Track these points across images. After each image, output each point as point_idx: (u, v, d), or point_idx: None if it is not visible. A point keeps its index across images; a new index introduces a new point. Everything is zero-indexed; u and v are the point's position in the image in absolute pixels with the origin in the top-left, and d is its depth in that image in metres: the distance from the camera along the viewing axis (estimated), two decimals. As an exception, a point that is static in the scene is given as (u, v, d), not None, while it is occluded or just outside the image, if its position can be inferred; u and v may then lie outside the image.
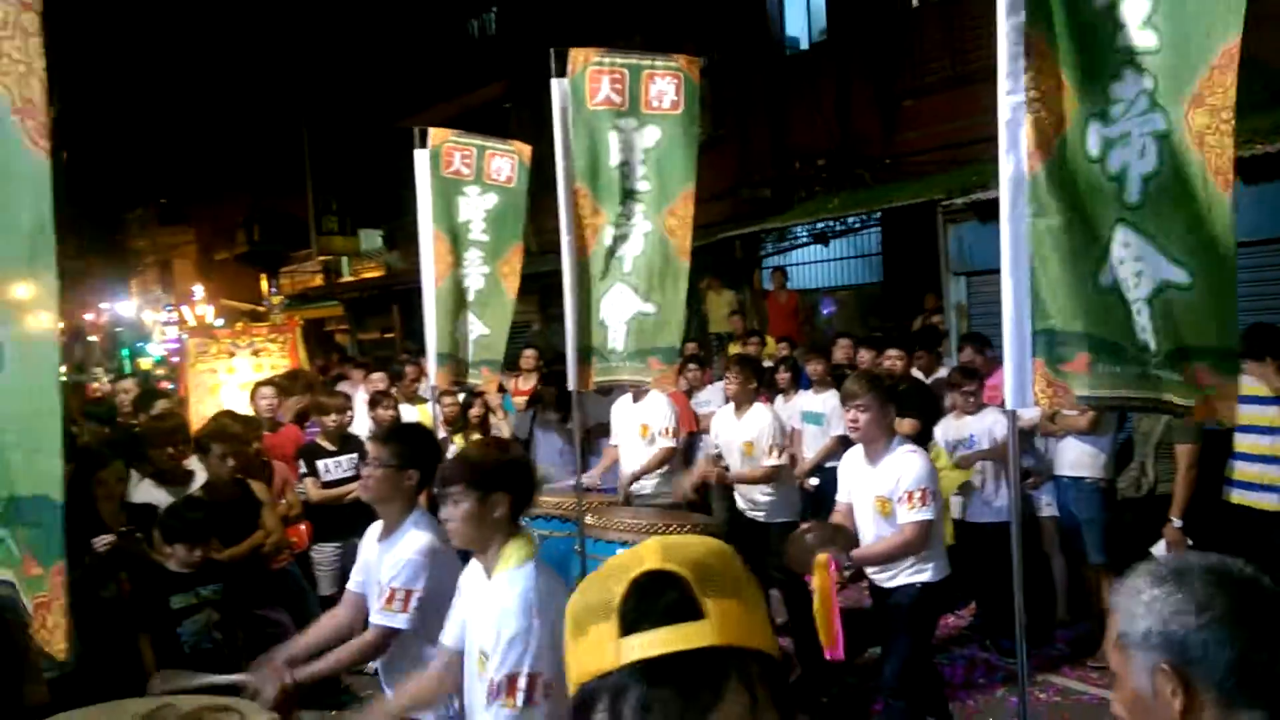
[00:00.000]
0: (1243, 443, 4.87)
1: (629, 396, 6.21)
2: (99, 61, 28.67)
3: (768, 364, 7.49)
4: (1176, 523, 4.86)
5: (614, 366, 4.32)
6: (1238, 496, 4.87)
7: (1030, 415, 5.30)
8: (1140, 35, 2.30)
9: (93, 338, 26.52)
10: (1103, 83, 2.37)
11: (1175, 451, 4.88)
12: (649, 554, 1.01)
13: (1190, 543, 4.86)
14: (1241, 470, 4.86)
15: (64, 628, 2.48)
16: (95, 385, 14.37)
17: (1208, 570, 1.36)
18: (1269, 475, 4.75)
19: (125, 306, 29.95)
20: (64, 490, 2.43)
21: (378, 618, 2.92)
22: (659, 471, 5.97)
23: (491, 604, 2.37)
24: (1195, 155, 2.22)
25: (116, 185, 32.20)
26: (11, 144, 2.32)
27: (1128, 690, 1.37)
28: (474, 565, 2.60)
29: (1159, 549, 4.92)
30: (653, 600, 0.96)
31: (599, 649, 0.97)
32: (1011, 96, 2.55)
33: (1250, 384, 4.80)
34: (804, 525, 4.14)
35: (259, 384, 6.70)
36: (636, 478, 5.90)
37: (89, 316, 28.95)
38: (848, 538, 4.06)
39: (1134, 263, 2.39)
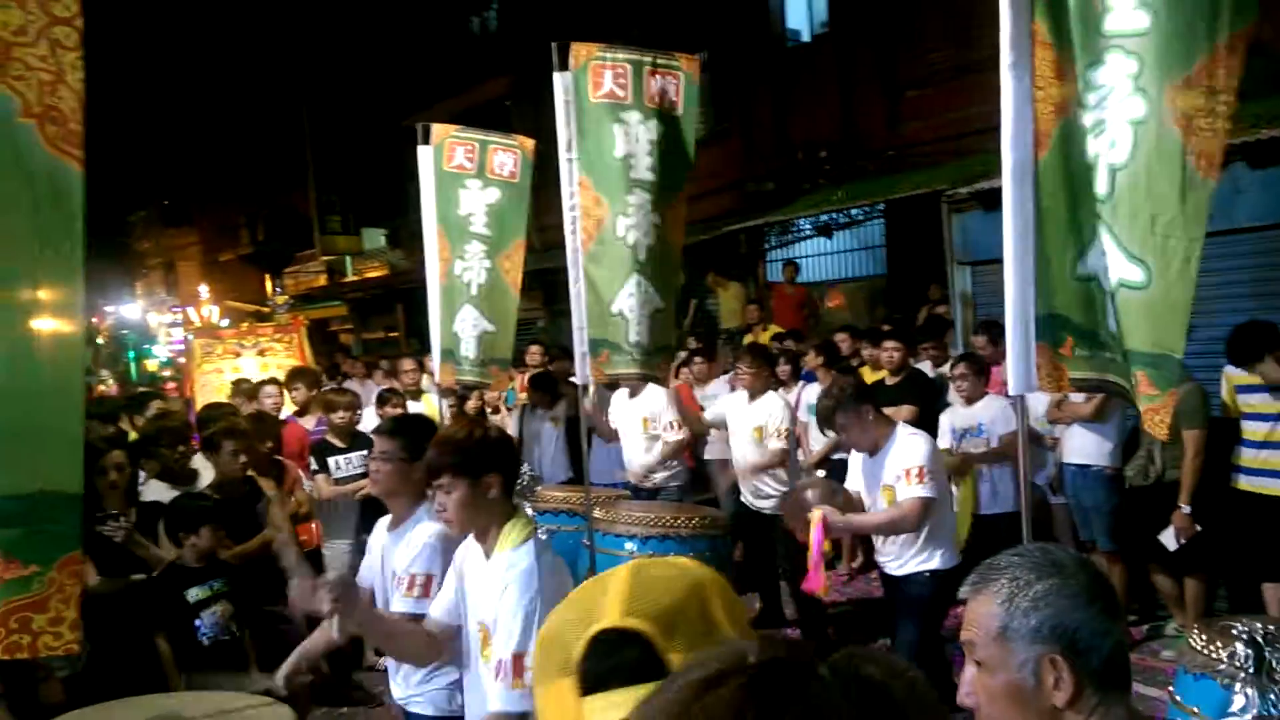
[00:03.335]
0: (1246, 429, 4.90)
1: (625, 392, 6.23)
2: (100, 63, 28.71)
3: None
4: (1185, 509, 4.87)
5: (638, 361, 4.33)
6: (1244, 483, 4.89)
7: (1038, 406, 5.28)
8: (1131, 17, 2.27)
9: (99, 340, 26.61)
10: (1084, 69, 2.35)
11: (1183, 438, 4.89)
12: (612, 603, 0.94)
13: (1199, 528, 4.87)
14: (1246, 457, 4.89)
15: (69, 620, 2.45)
16: (101, 387, 14.42)
17: (1080, 563, 1.42)
18: (1272, 460, 4.77)
19: (130, 309, 30.04)
20: (81, 482, 2.45)
21: (400, 605, 2.90)
22: (668, 464, 6.01)
23: (493, 581, 2.38)
24: (1177, 140, 2.17)
25: (120, 187, 32.26)
26: (20, 146, 2.39)
27: (1000, 681, 1.38)
28: (470, 543, 2.60)
29: (1167, 536, 4.93)
30: (612, 659, 0.91)
31: (560, 707, 0.92)
32: (1015, 84, 2.54)
33: (1244, 374, 4.84)
34: (801, 482, 4.17)
35: (262, 383, 6.73)
36: (651, 471, 5.94)
37: (94, 319, 29.05)
38: (846, 499, 4.10)
39: (1102, 257, 2.37)
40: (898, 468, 4.00)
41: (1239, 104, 2.23)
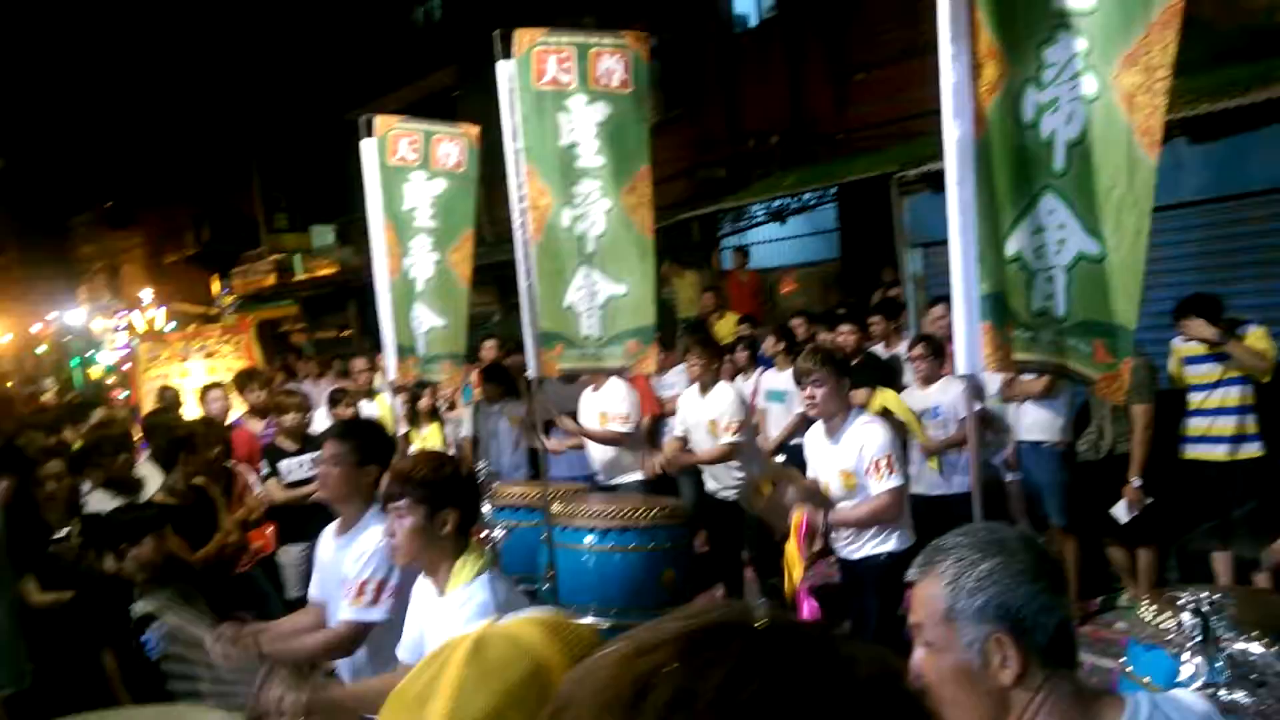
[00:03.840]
0: (1193, 400, 5.00)
1: (590, 386, 6.17)
2: (38, 64, 27.89)
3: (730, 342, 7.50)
4: (1136, 482, 4.95)
5: (590, 354, 4.27)
6: (1191, 452, 4.99)
7: (993, 385, 5.32)
8: None
9: (42, 347, 25.90)
10: (1035, 47, 2.37)
11: (1131, 412, 4.96)
12: (435, 711, 0.91)
13: (1150, 501, 4.95)
14: (1193, 426, 4.99)
15: None
16: (45, 396, 14.04)
17: (1025, 541, 1.43)
18: (1216, 427, 4.89)
19: (74, 315, 29.30)
20: None
21: (348, 613, 2.83)
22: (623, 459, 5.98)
23: (449, 619, 2.32)
24: (1123, 117, 2.21)
25: (61, 191, 31.38)
26: None
27: (948, 661, 1.39)
28: (423, 582, 2.55)
29: (1119, 509, 5.01)
30: None
31: None
32: (955, 62, 2.54)
33: (1191, 345, 4.94)
34: (774, 473, 4.16)
35: (208, 386, 6.60)
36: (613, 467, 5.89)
37: (37, 326, 28.26)
38: (823, 497, 4.11)
39: (1058, 230, 2.41)
40: (860, 456, 4.01)
41: (1179, 79, 2.26)
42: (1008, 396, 5.53)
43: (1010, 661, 1.35)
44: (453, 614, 2.33)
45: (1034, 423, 5.42)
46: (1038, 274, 2.46)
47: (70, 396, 11.12)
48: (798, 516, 3.93)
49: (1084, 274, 2.38)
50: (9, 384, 16.12)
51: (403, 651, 2.62)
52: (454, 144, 5.12)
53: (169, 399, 7.33)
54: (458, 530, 2.43)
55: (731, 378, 6.84)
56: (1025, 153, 2.44)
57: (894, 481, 3.97)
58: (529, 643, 0.98)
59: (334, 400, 6.52)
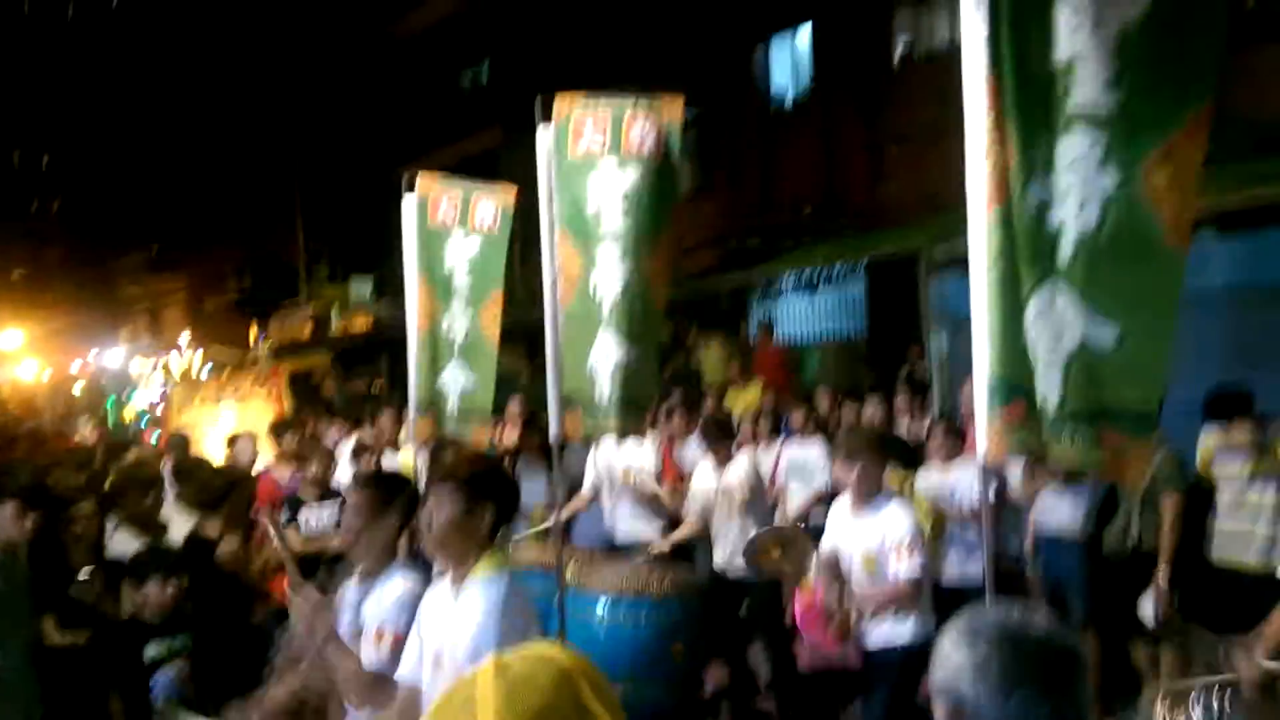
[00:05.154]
0: (1220, 498, 4.88)
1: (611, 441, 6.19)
2: (91, 110, 28.95)
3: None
4: (1164, 580, 4.81)
5: (600, 420, 4.30)
6: (1217, 556, 4.86)
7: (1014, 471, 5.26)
8: (1101, 95, 2.34)
9: (80, 384, 26.33)
10: (1046, 139, 2.40)
11: (1160, 504, 4.87)
12: (484, 717, 0.91)
13: (1177, 605, 4.80)
14: (1221, 526, 4.86)
15: None
16: (79, 435, 14.22)
17: (999, 632, 1.46)
18: (1243, 528, 4.76)
19: (113, 355, 29.90)
20: None
21: (367, 656, 2.84)
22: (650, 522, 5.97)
23: (464, 612, 2.41)
24: (1151, 212, 2.24)
25: (108, 232, 32.29)
26: None
27: None
28: (436, 588, 2.62)
29: (1146, 606, 4.86)
30: None
31: None
32: (979, 143, 2.58)
33: (1224, 436, 4.85)
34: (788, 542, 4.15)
35: (236, 435, 6.70)
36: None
37: (77, 365, 28.79)
38: (840, 574, 4.11)
39: (1057, 320, 2.41)
40: (884, 541, 4.02)
41: (1209, 169, 2.29)
42: (1028, 485, 5.44)
43: None
44: (470, 605, 2.42)
45: (1052, 513, 5.31)
46: (1040, 363, 2.48)
47: (108, 435, 11.26)
48: (808, 594, 3.90)
49: (1091, 362, 2.38)
50: (44, 421, 16.37)
51: (406, 669, 2.65)
52: (491, 202, 5.19)
53: (176, 444, 7.36)
54: (491, 527, 2.52)
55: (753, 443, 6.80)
56: (1030, 241, 2.47)
57: (917, 564, 3.97)
58: (547, 654, 0.98)
59: (356, 454, 6.59)
